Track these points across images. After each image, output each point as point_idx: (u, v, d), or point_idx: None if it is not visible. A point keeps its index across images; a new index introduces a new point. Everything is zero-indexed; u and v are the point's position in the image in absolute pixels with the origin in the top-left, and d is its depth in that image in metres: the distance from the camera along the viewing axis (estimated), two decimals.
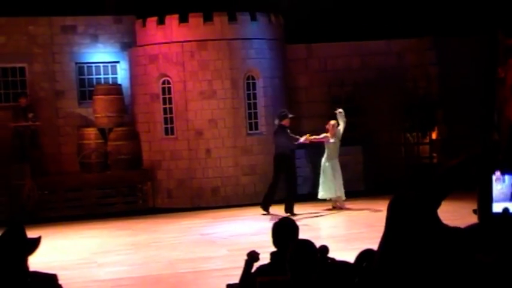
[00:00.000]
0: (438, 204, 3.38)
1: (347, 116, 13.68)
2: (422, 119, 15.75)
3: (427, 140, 16.20)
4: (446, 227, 3.36)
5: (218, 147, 14.90)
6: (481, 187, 3.52)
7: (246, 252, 4.99)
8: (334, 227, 12.04)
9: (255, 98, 15.26)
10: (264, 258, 4.82)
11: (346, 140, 13.59)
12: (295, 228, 4.77)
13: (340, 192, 13.12)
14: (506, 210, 4.00)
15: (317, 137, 13.27)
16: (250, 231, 11.54)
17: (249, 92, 15.20)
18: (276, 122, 13.24)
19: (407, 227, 3.31)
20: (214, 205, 14.56)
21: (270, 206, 13.12)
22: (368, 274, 3.60)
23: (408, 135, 16.08)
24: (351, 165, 14.93)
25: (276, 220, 4.94)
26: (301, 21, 16.04)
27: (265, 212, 13.06)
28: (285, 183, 13.13)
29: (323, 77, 16.18)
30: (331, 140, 13.18)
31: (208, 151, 14.94)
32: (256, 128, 15.27)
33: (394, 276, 3.31)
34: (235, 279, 4.98)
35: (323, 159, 13.22)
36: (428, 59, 16.28)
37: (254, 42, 15.11)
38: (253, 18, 15.13)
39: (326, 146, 13.20)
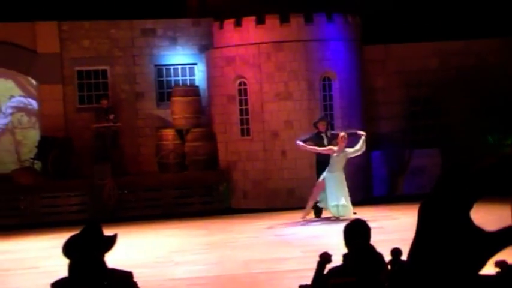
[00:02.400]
0: (470, 207, 3.30)
1: (425, 117, 13.56)
2: (504, 120, 15.41)
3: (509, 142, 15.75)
4: (479, 229, 3.28)
5: (294, 149, 14.65)
6: None
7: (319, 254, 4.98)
8: (406, 230, 11.67)
9: (331, 99, 15.23)
10: (337, 261, 4.79)
11: (422, 142, 13.41)
12: (367, 229, 4.76)
13: (347, 202, 12.58)
14: None
15: (318, 148, 12.81)
16: (325, 233, 11.53)
17: (325, 93, 15.17)
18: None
19: (437, 230, 3.27)
20: (290, 206, 14.42)
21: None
22: (398, 276, 3.57)
23: (489, 137, 15.65)
24: (428, 168, 14.65)
25: (348, 221, 4.95)
26: (379, 22, 15.87)
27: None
28: None
29: (400, 77, 16.02)
30: (335, 155, 12.67)
31: (283, 152, 14.95)
32: (332, 129, 14.86)
33: (424, 279, 3.26)
34: (309, 281, 4.97)
35: (325, 171, 12.76)
36: (510, 59, 15.91)
37: (331, 43, 15.10)
38: (330, 19, 15.12)
39: (331, 158, 12.75)
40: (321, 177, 12.68)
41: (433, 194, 3.42)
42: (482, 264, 3.32)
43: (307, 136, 13.01)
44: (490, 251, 3.32)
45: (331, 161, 12.57)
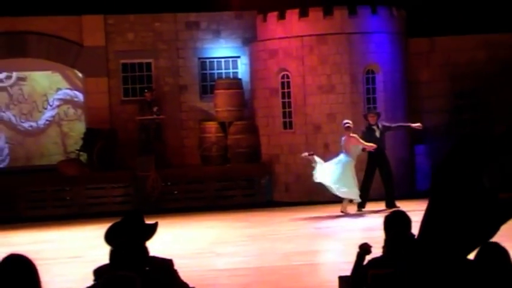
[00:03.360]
0: (483, 172, 3.30)
1: (470, 111, 13.65)
2: None
3: None
4: (492, 194, 3.28)
5: (336, 142, 14.56)
6: None
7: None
8: None
9: (374, 92, 15.13)
10: (378, 253, 4.80)
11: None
12: (407, 220, 4.73)
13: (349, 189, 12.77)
14: None
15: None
16: (366, 226, 11.52)
17: (368, 86, 15.10)
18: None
19: (450, 194, 3.28)
20: (331, 200, 14.08)
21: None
22: (411, 246, 3.61)
23: None
24: None
25: (388, 213, 4.98)
26: (424, 14, 15.77)
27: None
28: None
29: (446, 71, 15.88)
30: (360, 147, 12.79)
31: (326, 146, 14.89)
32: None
33: (437, 246, 3.29)
34: (349, 272, 5.00)
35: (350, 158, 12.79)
36: None
37: (374, 36, 15.02)
38: (374, 12, 15.05)
39: (357, 148, 12.91)
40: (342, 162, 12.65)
41: (447, 159, 3.42)
42: (496, 229, 3.31)
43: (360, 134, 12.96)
44: (504, 217, 3.31)
45: (358, 151, 12.70)
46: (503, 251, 3.62)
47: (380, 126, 13.12)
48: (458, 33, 15.68)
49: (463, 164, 3.32)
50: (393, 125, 13.26)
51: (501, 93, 15.45)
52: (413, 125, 12.98)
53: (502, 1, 15.78)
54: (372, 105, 14.96)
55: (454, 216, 3.29)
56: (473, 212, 3.28)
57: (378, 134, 13.04)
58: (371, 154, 12.93)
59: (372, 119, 13.11)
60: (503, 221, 3.33)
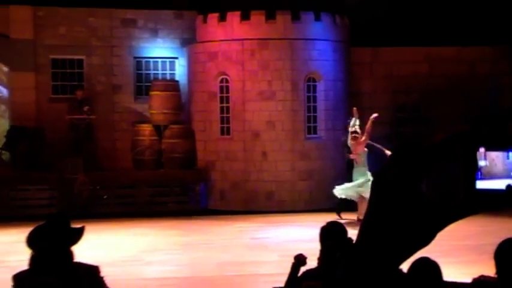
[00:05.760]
0: (421, 180, 3.44)
1: (412, 124, 13.87)
2: (492, 130, 15.39)
3: None
4: (429, 201, 3.43)
5: (275, 150, 14.91)
6: (465, 164, 3.51)
7: None
8: (466, 237, 11.11)
9: (315, 101, 15.21)
10: (314, 265, 4.80)
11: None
12: (341, 231, 4.73)
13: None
14: (509, 186, 4.04)
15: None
16: (303, 238, 11.50)
17: (309, 94, 15.16)
18: None
19: (390, 202, 3.43)
20: (268, 209, 14.58)
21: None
22: (348, 251, 3.77)
23: None
24: None
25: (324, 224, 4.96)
26: (368, 23, 15.90)
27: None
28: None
29: (388, 82, 16.07)
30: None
31: (264, 154, 14.97)
32: (315, 132, 15.22)
33: (375, 250, 3.44)
34: (283, 284, 4.98)
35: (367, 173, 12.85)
36: (502, 68, 15.99)
37: (317, 43, 15.07)
38: (318, 18, 15.07)
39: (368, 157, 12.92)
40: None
41: (387, 167, 3.59)
42: (432, 236, 3.47)
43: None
44: (440, 223, 3.47)
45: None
46: (434, 264, 3.79)
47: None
48: (401, 45, 15.96)
49: (401, 171, 3.44)
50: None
51: (442, 107, 15.76)
52: (373, 116, 12.95)
53: (444, 15, 16.11)
54: (311, 115, 15.15)
55: (391, 221, 3.42)
56: (410, 217, 3.40)
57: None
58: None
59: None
60: (441, 226, 3.50)
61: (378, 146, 12.71)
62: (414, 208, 3.41)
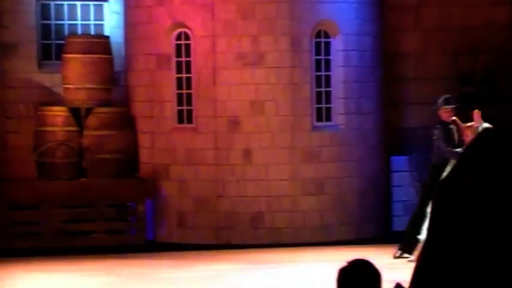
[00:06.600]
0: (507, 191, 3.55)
1: (481, 103, 13.52)
2: None
3: None
4: None
5: (264, 148, 14.46)
6: None
7: None
8: None
9: (328, 68, 14.74)
10: None
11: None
12: (372, 278, 4.74)
13: None
14: None
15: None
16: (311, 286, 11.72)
17: (319, 57, 14.70)
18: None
19: (461, 225, 3.53)
20: (255, 242, 14.31)
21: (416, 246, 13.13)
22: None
23: None
24: None
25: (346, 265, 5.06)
26: None
27: (408, 256, 13.09)
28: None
29: (445, 37, 15.80)
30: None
31: (247, 153, 14.48)
32: (329, 119, 14.84)
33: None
34: None
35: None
36: None
37: None
38: None
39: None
40: None
41: (457, 171, 3.75)
42: None
43: (441, 136, 12.83)
44: None
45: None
46: None
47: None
48: None
49: (481, 179, 3.48)
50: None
51: None
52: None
53: None
54: (323, 89, 14.62)
55: (464, 257, 3.46)
56: (495, 250, 3.41)
57: (456, 135, 12.89)
58: (436, 167, 12.83)
59: (446, 115, 12.90)
60: None
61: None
62: (501, 236, 3.41)
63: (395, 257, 12.91)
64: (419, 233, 12.74)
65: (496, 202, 3.50)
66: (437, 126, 12.99)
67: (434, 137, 12.95)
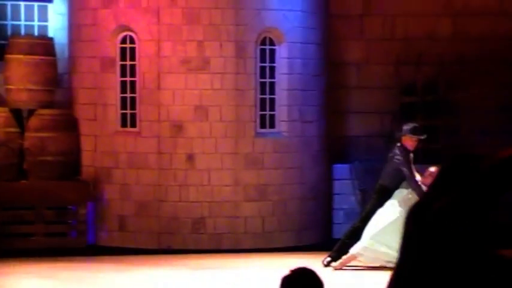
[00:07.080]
0: (483, 217, 3.53)
1: (426, 114, 14.18)
2: None
3: None
4: (497, 254, 3.54)
5: (207, 153, 14.51)
6: None
7: None
8: None
9: (272, 75, 14.79)
10: None
11: (419, 155, 13.39)
12: (316, 287, 4.81)
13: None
14: None
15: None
16: None
17: (263, 64, 14.74)
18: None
19: (433, 250, 3.53)
20: (196, 247, 14.33)
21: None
22: None
23: None
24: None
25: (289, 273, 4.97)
26: None
27: (334, 264, 13.13)
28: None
29: (388, 47, 15.88)
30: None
31: (191, 158, 14.51)
32: (273, 126, 14.90)
33: None
34: None
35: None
36: None
37: None
38: None
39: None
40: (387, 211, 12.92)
41: (426, 198, 3.75)
42: None
43: (404, 165, 12.78)
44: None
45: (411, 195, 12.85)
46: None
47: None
48: None
49: (453, 204, 3.52)
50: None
51: (475, 87, 15.54)
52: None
53: None
54: (267, 97, 14.65)
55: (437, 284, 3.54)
56: (468, 277, 3.47)
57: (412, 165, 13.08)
58: (386, 189, 12.99)
59: (411, 143, 12.88)
60: None
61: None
62: (475, 264, 3.45)
63: (324, 265, 12.86)
64: (351, 246, 12.76)
65: (470, 226, 3.48)
66: (398, 149, 12.89)
67: (396, 160, 12.84)
